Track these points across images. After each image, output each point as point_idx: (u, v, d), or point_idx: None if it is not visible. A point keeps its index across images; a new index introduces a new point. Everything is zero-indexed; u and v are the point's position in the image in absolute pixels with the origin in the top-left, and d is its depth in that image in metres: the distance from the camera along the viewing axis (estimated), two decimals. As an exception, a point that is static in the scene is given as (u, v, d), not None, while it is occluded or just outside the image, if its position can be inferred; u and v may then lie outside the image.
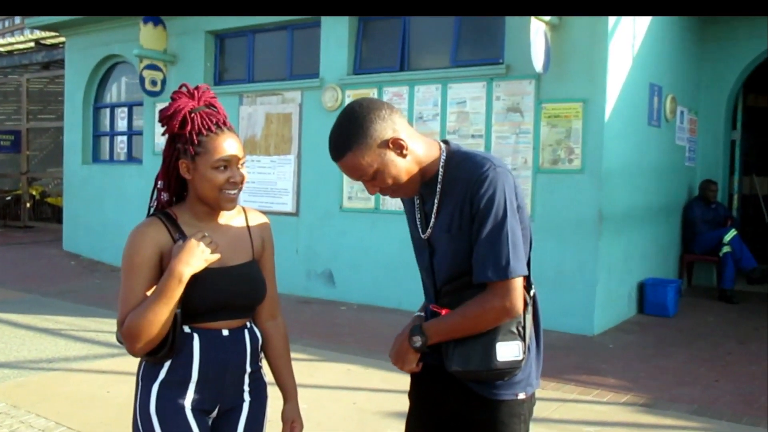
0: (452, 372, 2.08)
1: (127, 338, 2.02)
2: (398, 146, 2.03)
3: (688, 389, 5.52)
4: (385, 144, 2.02)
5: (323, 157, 8.64)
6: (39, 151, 17.91)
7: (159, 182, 2.18)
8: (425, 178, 2.12)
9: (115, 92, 12.14)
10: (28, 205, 17.18)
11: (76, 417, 4.75)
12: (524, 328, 2.05)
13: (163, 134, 2.14)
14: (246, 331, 2.22)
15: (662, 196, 8.63)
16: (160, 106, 8.99)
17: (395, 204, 8.22)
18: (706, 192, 9.17)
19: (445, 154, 2.12)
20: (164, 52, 10.25)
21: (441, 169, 2.10)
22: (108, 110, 12.02)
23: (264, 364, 2.35)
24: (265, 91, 9.45)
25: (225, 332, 2.15)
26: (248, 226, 2.27)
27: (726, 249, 8.76)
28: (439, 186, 2.09)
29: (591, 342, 6.89)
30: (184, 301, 2.05)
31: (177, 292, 2.00)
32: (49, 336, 6.90)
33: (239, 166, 2.13)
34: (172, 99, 2.12)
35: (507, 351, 2.02)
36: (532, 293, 2.11)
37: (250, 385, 2.24)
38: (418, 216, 2.19)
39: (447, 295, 2.12)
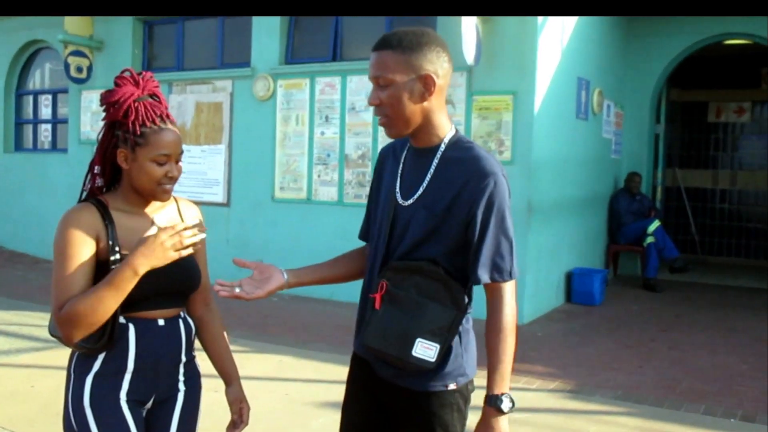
0: (365, 346, 2.08)
1: (65, 325, 1.95)
2: (427, 84, 2.00)
3: (613, 375, 5.68)
4: (419, 73, 1.99)
5: (255, 147, 8.64)
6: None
7: (96, 167, 2.13)
8: (417, 141, 2.10)
9: (38, 79, 11.76)
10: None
11: (1, 412, 4.62)
12: (447, 331, 2.03)
13: (104, 119, 2.10)
14: (180, 321, 2.20)
15: (589, 188, 8.82)
16: (87, 93, 8.77)
17: (328, 195, 8.20)
18: (630, 184, 9.43)
19: (453, 133, 2.10)
20: (90, 38, 9.98)
21: (443, 145, 2.07)
22: (31, 97, 11.65)
23: (198, 353, 2.32)
24: (195, 80, 9.30)
25: (161, 322, 2.13)
26: (180, 215, 2.26)
27: (650, 239, 9.02)
28: (436, 161, 2.06)
29: (520, 331, 6.94)
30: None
31: (129, 284, 1.96)
32: (-31, 330, 6.68)
33: (178, 160, 2.11)
34: (117, 85, 2.07)
35: (424, 350, 2.01)
36: (470, 303, 2.12)
37: (185, 374, 2.23)
38: (398, 182, 2.14)
39: (393, 270, 2.07)
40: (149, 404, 2.16)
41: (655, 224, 9.08)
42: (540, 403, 4.98)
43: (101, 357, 2.06)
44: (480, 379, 2.08)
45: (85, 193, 2.15)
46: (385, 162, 2.26)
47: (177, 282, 2.15)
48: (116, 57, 9.99)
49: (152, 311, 2.11)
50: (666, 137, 10.75)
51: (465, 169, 2.02)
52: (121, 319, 2.07)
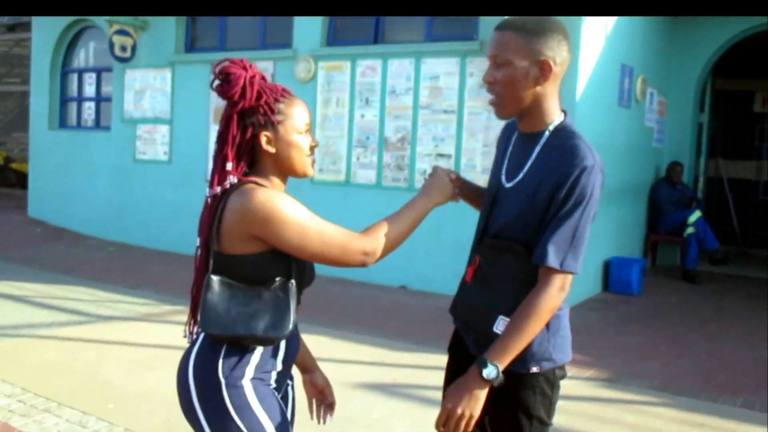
0: (453, 315, 2.21)
1: (374, 254, 2.04)
2: (543, 69, 2.03)
3: (649, 365, 5.64)
4: (538, 58, 2.02)
5: (295, 129, 8.66)
6: (4, 115, 17.61)
7: (228, 164, 1.97)
8: (525, 125, 2.14)
9: (83, 57, 11.91)
10: (-8, 170, 16.91)
11: (43, 384, 4.73)
12: None
13: (233, 111, 1.97)
14: None
15: (630, 176, 8.73)
16: (130, 72, 8.87)
17: (366, 178, 8.23)
18: (672, 173, 9.30)
19: (560, 120, 2.12)
20: (135, 17, 10.08)
21: (548, 132, 2.10)
22: (75, 75, 11.81)
23: None
24: (237, 61, 9.33)
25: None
26: None
27: (690, 230, 8.90)
28: (539, 147, 2.09)
29: (556, 318, 6.98)
30: (298, 273, 2.01)
31: (423, 215, 2.11)
32: (14, 302, 6.83)
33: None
34: (229, 73, 1.96)
35: (504, 327, 2.05)
36: None
37: (290, 375, 2.24)
38: (506, 163, 2.18)
39: (487, 247, 2.14)
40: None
41: (695, 215, 8.96)
42: (575, 391, 4.96)
43: (257, 354, 1.98)
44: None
45: (233, 179, 1.98)
46: (502, 139, 2.31)
47: (311, 272, 2.14)
48: (160, 37, 10.09)
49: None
50: (709, 127, 10.59)
51: (560, 157, 2.04)
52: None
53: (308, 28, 8.73)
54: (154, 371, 5.09)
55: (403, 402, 4.68)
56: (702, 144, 10.36)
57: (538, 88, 2.06)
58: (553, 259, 1.99)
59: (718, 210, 11.93)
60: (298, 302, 2.02)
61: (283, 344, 2.04)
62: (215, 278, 1.96)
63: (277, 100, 1.99)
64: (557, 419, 4.30)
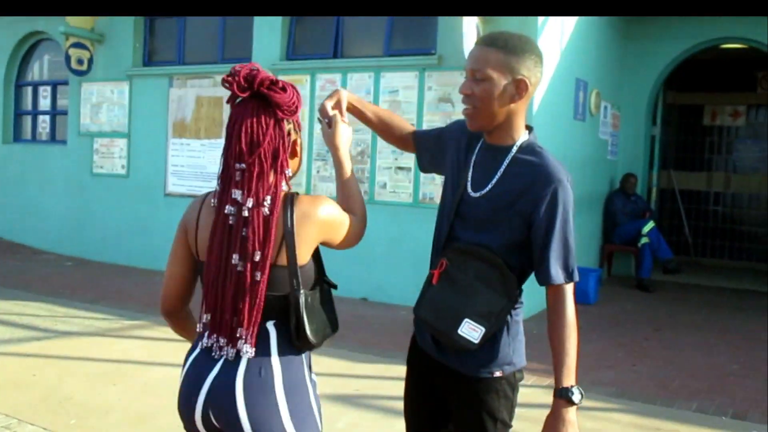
0: (417, 316, 2.24)
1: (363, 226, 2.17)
2: (519, 88, 2.11)
3: (607, 373, 5.76)
4: (515, 76, 2.10)
5: (255, 142, 8.65)
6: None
7: (287, 170, 2.00)
8: (492, 138, 2.21)
9: (37, 70, 11.78)
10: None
11: (4, 401, 4.67)
12: (495, 317, 2.13)
13: (281, 119, 1.98)
14: None
15: (585, 188, 8.90)
16: (87, 85, 8.82)
17: (327, 191, 8.27)
18: (626, 185, 9.52)
19: (527, 136, 2.21)
20: (91, 30, 10.01)
21: (516, 147, 2.18)
22: (30, 88, 11.67)
23: None
24: (196, 74, 9.35)
25: None
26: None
27: (644, 240, 9.11)
28: (507, 160, 2.16)
29: (515, 328, 7.09)
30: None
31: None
32: (-31, 319, 6.73)
33: None
34: (279, 81, 1.96)
35: (469, 330, 2.12)
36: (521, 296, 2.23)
37: None
38: (470, 173, 2.24)
39: (455, 251, 2.20)
40: None
41: (649, 225, 9.17)
42: (535, 399, 5.01)
43: (307, 360, 2.09)
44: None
45: (285, 188, 2.01)
46: (461, 144, 2.34)
47: None
48: (117, 50, 10.04)
49: None
50: (662, 139, 10.85)
51: (533, 172, 2.13)
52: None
53: (267, 42, 8.76)
54: (115, 386, 5.06)
55: (367, 412, 4.72)
56: (654, 156, 10.61)
57: (512, 105, 2.14)
58: (561, 277, 2.11)
59: (671, 220, 12.20)
60: None
61: None
62: (306, 292, 1.99)
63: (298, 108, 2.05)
64: (517, 426, 4.38)
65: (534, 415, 4.66)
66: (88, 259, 10.23)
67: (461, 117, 2.27)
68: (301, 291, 1.96)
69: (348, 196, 2.17)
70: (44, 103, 11.51)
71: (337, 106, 2.35)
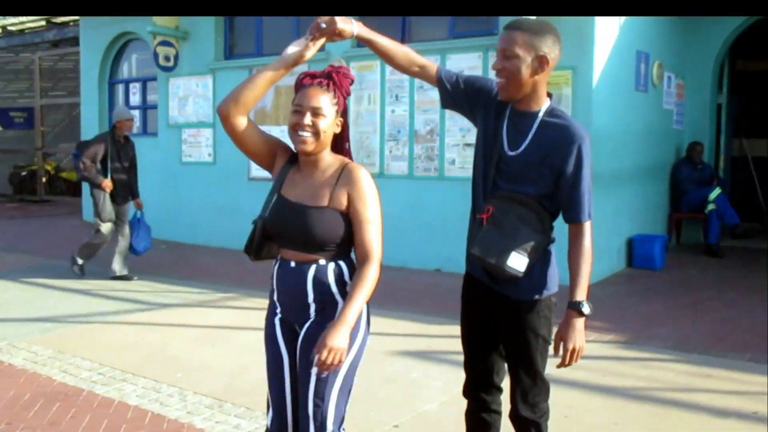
0: (471, 253, 2.68)
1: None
2: (541, 62, 2.56)
3: (666, 329, 6.09)
4: (538, 53, 2.55)
5: (330, 126, 9.20)
6: (52, 127, 18.40)
7: (346, 143, 2.67)
8: (521, 105, 2.66)
9: (126, 68, 12.64)
10: (44, 179, 17.68)
11: (117, 359, 5.33)
12: (535, 251, 2.61)
13: (346, 98, 2.63)
14: (313, 267, 2.53)
15: (650, 157, 9.14)
16: (174, 80, 9.57)
17: (399, 169, 8.75)
18: (692, 153, 9.68)
19: (550, 103, 2.68)
20: (176, 29, 10.74)
21: (542, 112, 2.65)
22: (122, 86, 12.54)
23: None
24: (273, 65, 9.92)
25: (292, 264, 2.56)
26: (337, 179, 2.55)
27: (711, 207, 9.29)
28: (536, 123, 2.63)
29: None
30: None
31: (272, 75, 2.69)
32: (81, 295, 7.48)
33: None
34: (344, 73, 2.59)
35: (516, 261, 2.60)
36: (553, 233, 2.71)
37: (316, 312, 2.56)
38: (504, 134, 2.70)
39: (498, 198, 2.66)
40: (297, 328, 2.64)
41: (716, 192, 9.33)
42: (595, 352, 5.43)
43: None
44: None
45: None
46: (486, 99, 2.79)
47: (295, 229, 2.52)
48: (200, 46, 10.74)
49: (286, 252, 2.58)
50: (729, 107, 10.91)
51: (558, 132, 2.59)
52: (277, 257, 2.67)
53: (340, 31, 9.25)
54: (213, 347, 5.69)
55: (437, 365, 5.20)
56: (721, 124, 10.69)
57: (536, 77, 2.60)
58: (583, 216, 2.63)
59: (743, 188, 12.22)
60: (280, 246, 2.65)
61: (274, 277, 2.64)
62: None
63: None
64: (577, 375, 4.84)
65: (592, 366, 5.12)
66: (180, 241, 11.00)
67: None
68: None
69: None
70: (135, 99, 12.35)
71: (323, 33, 2.67)
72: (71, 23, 16.22)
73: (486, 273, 2.74)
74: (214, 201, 10.66)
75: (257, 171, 10.12)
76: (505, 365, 2.89)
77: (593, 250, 2.64)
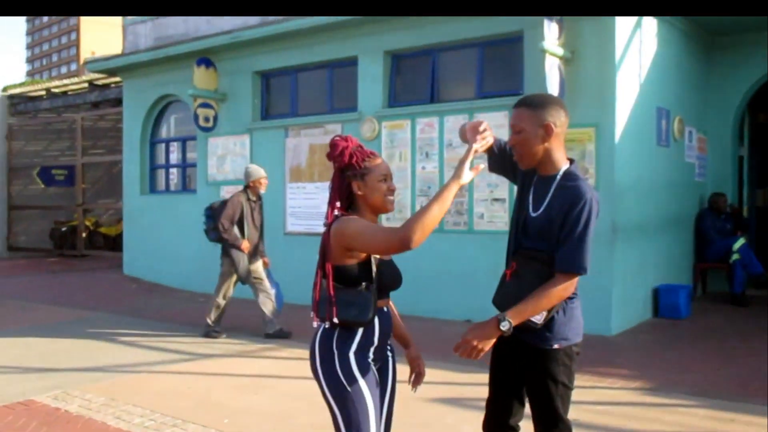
0: (495, 304, 2.98)
1: (412, 238, 2.62)
2: (547, 131, 2.88)
3: (691, 376, 6.28)
4: (542, 122, 2.88)
5: (363, 183, 9.58)
6: (91, 184, 18.97)
7: (337, 202, 2.89)
8: (542, 171, 2.98)
9: (165, 128, 13.21)
10: (83, 234, 18.19)
11: (167, 406, 5.63)
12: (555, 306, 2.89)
13: (336, 167, 2.89)
14: (387, 309, 3.02)
15: (674, 209, 9.39)
16: (213, 140, 10.12)
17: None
18: (716, 203, 9.91)
19: (567, 167, 2.97)
20: (215, 91, 11.28)
21: (559, 176, 2.96)
22: (163, 145, 13.10)
23: None
24: (308, 124, 10.42)
25: (385, 309, 2.95)
26: None
27: (735, 256, 9.48)
28: (553, 187, 2.93)
29: (608, 341, 7.67)
30: (378, 280, 2.85)
31: (451, 195, 2.69)
32: (128, 346, 7.84)
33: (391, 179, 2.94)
34: (335, 144, 2.89)
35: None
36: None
37: (390, 347, 3.07)
38: (531, 198, 3.02)
39: (522, 256, 2.97)
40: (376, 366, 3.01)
41: (740, 242, 9.53)
42: (621, 398, 5.66)
43: (359, 334, 2.84)
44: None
45: (337, 213, 2.88)
46: (525, 180, 3.13)
47: (398, 281, 2.99)
48: (238, 107, 11.25)
49: (381, 300, 2.91)
50: (752, 158, 11.16)
51: (568, 194, 2.87)
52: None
53: (371, 92, 9.73)
54: (256, 395, 5.98)
55: (470, 412, 5.44)
56: (744, 175, 10.93)
57: (546, 144, 2.94)
58: (565, 266, 2.86)
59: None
60: (381, 298, 2.92)
61: (376, 325, 2.91)
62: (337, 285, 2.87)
63: (363, 160, 2.91)
64: (603, 419, 5.06)
65: (618, 411, 5.37)
66: (218, 294, 11.34)
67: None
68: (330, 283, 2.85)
69: (419, 211, 2.70)
70: (173, 157, 12.89)
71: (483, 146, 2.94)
72: (112, 85, 16.92)
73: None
74: (251, 255, 11.02)
75: (293, 226, 10.51)
76: (523, 409, 3.17)
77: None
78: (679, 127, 9.35)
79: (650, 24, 8.56)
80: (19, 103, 19.81)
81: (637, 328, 8.21)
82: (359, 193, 2.90)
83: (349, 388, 2.82)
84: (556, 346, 2.97)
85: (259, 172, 8.16)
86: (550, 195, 2.95)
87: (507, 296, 2.94)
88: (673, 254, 9.47)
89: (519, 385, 3.13)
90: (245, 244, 8.13)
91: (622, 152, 7.98)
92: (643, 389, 5.91)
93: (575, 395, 5.40)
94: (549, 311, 2.89)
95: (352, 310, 2.81)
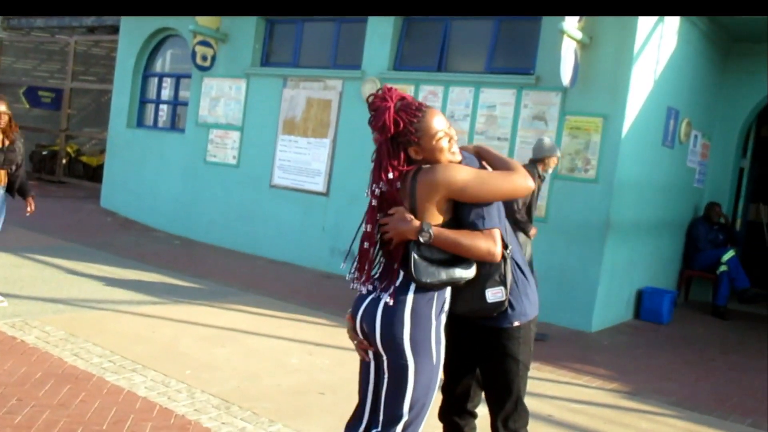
0: (459, 314, 2.78)
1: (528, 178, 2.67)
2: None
3: (669, 384, 6.13)
4: None
5: (357, 144, 9.37)
6: (78, 110, 18.55)
7: (389, 173, 2.60)
8: None
9: (160, 62, 12.81)
10: (64, 161, 17.81)
11: (128, 350, 5.40)
12: (504, 276, 2.73)
13: (380, 138, 2.61)
14: None
15: (668, 213, 9.21)
16: (208, 80, 9.72)
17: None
18: (710, 213, 9.74)
19: None
20: (217, 30, 10.89)
21: None
22: (156, 79, 12.70)
23: None
24: (308, 77, 10.08)
25: None
26: None
27: (723, 268, 9.33)
28: None
29: (588, 337, 7.51)
30: None
31: None
32: (95, 281, 7.58)
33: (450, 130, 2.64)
34: (377, 110, 2.58)
35: (493, 294, 2.73)
36: (508, 251, 2.77)
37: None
38: None
39: None
40: None
41: (729, 254, 9.38)
42: (597, 399, 5.49)
43: (447, 301, 2.68)
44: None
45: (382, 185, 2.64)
46: None
47: None
48: (238, 49, 10.88)
49: None
50: (752, 172, 10.98)
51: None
52: None
53: (377, 52, 9.41)
54: (223, 348, 5.76)
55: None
56: (742, 187, 10.76)
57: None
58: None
59: (757, 253, 12.25)
60: None
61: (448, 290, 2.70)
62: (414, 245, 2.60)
63: (411, 122, 2.59)
64: (579, 419, 4.88)
65: (594, 412, 5.19)
66: (194, 239, 11.11)
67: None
68: (412, 245, 2.57)
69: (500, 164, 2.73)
70: (165, 93, 12.52)
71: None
72: (111, 11, 16.43)
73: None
74: (233, 203, 10.76)
75: (279, 179, 10.23)
76: (481, 393, 3.06)
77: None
78: (686, 129, 9.13)
79: (672, 20, 8.29)
80: (12, 17, 19.23)
81: (617, 328, 8.05)
82: (419, 158, 2.65)
83: (435, 354, 2.64)
84: (516, 323, 2.86)
85: (554, 149, 6.81)
86: None
87: (465, 296, 2.75)
88: (662, 258, 9.30)
89: (475, 367, 3.01)
90: (534, 231, 6.73)
91: (627, 148, 7.75)
92: (620, 392, 5.75)
93: (551, 389, 5.21)
94: (505, 284, 2.74)
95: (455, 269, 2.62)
